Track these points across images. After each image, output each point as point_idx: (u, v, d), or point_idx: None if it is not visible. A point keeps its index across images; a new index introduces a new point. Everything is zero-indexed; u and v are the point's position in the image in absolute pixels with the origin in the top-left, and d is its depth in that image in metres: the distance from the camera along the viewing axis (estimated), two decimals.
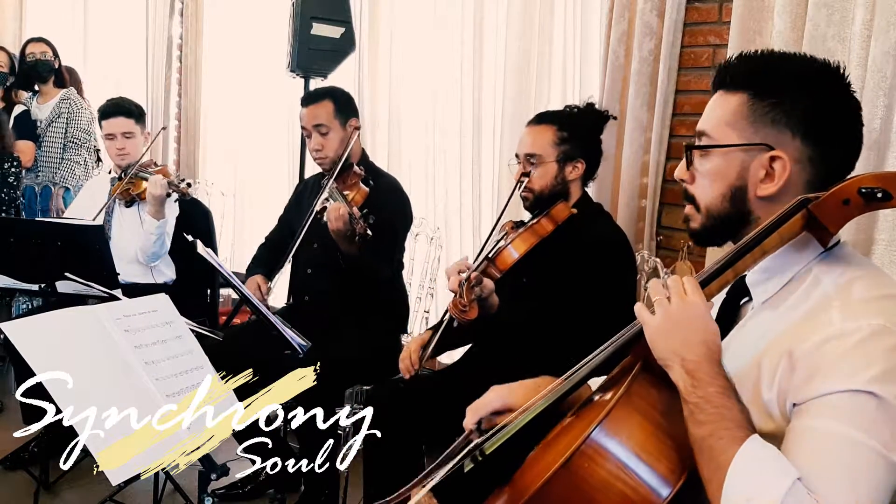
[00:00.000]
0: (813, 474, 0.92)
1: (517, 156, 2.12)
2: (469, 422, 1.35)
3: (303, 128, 2.62)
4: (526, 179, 2.05)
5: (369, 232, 2.19)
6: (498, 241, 2.04)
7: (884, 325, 0.97)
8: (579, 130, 2.06)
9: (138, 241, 2.87)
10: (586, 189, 2.15)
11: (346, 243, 2.28)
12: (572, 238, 1.99)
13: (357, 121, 2.62)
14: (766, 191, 1.10)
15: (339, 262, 2.38)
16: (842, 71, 1.10)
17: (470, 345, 2.27)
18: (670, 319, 1.03)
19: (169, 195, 2.78)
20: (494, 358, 2.06)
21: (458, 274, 1.85)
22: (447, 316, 2.02)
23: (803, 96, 1.08)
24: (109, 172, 3.25)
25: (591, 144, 2.10)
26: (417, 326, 2.86)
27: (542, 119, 2.11)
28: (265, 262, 2.75)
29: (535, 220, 2.01)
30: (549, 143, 2.04)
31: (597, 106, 2.18)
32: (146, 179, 2.85)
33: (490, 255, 1.97)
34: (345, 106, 2.60)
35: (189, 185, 2.84)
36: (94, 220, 2.81)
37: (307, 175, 3.38)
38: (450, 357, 3.22)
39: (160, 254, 2.90)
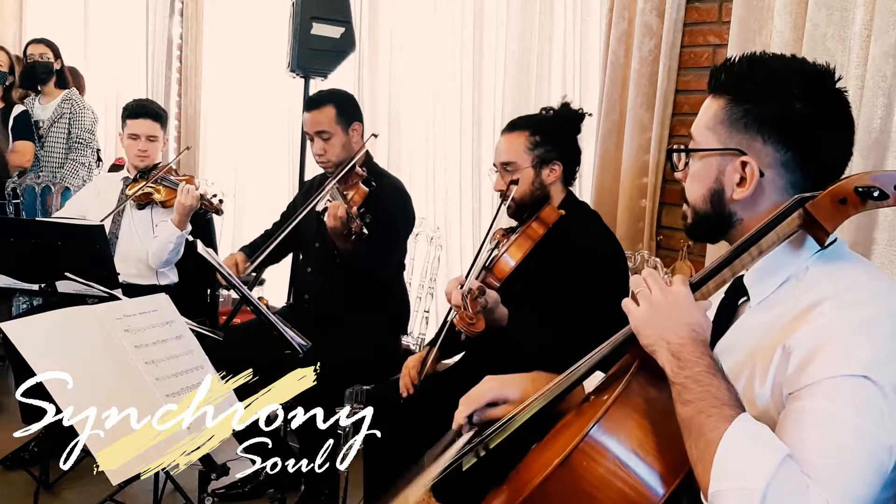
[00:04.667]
0: (804, 453, 0.93)
1: (494, 166, 2.12)
2: (461, 414, 1.35)
3: (306, 132, 2.62)
4: (514, 187, 2.02)
5: (365, 231, 2.21)
6: (492, 250, 2.03)
7: (876, 315, 0.98)
8: (552, 133, 2.04)
9: (152, 247, 2.87)
10: (570, 189, 2.14)
11: (342, 241, 2.30)
12: (563, 241, 1.98)
13: (360, 125, 2.62)
14: (740, 194, 1.12)
15: (338, 261, 2.39)
16: (832, 74, 1.10)
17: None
18: (653, 306, 1.05)
19: (204, 213, 2.79)
20: (494, 358, 2.06)
21: (458, 289, 1.84)
22: (444, 329, 2.02)
23: (773, 102, 1.09)
24: (111, 170, 3.25)
25: (565, 145, 2.08)
26: (417, 326, 2.87)
27: (513, 126, 2.10)
28: (255, 245, 2.74)
29: (526, 225, 2.01)
30: (523, 149, 2.03)
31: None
32: (172, 187, 2.85)
33: (487, 265, 1.97)
34: (347, 110, 2.59)
35: (221, 200, 2.83)
36: (105, 220, 2.80)
37: (307, 175, 3.38)
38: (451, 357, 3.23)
39: (173, 261, 2.91)
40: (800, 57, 1.17)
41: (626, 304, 1.10)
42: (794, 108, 1.08)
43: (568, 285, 1.92)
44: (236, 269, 2.56)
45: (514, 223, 2.15)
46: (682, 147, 1.20)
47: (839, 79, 1.11)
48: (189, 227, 2.84)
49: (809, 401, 0.96)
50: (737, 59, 1.15)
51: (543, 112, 2.13)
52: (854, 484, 0.92)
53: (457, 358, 2.32)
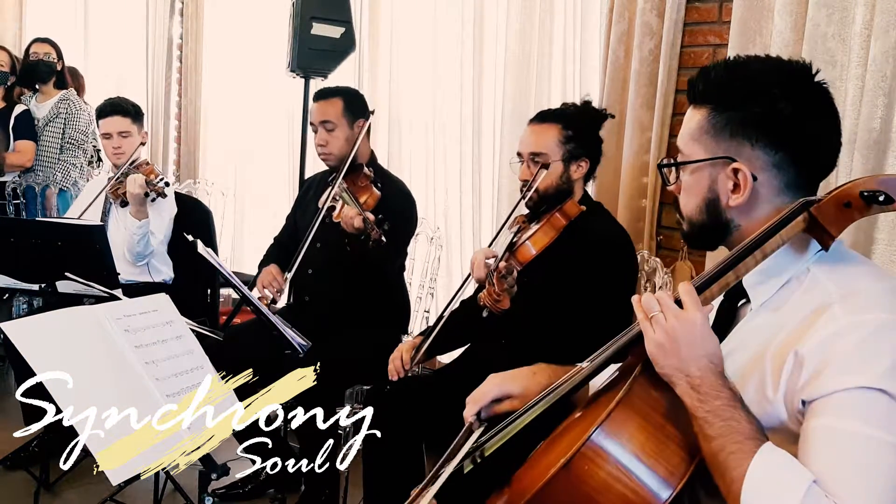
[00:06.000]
0: (829, 475, 0.92)
1: (519, 155, 2.10)
2: (469, 413, 1.37)
3: (311, 123, 2.63)
4: (542, 174, 2.00)
5: (384, 239, 2.20)
6: (514, 235, 2.02)
7: (889, 318, 0.97)
8: (583, 129, 2.04)
9: (125, 241, 2.88)
10: (585, 188, 2.15)
11: (358, 245, 2.30)
12: (578, 236, 1.98)
13: (365, 122, 2.62)
14: (736, 201, 1.11)
15: (345, 259, 2.39)
16: (809, 69, 1.10)
17: (466, 345, 2.27)
18: (669, 337, 1.03)
19: (147, 195, 2.78)
20: (494, 357, 2.06)
21: (484, 262, 1.86)
22: (441, 320, 2.03)
23: (756, 105, 1.08)
24: (109, 172, 3.25)
25: (593, 143, 2.09)
26: (417, 326, 2.86)
27: (545, 117, 2.08)
28: (276, 257, 2.75)
29: (549, 215, 2.00)
30: (555, 141, 2.02)
31: (596, 105, 2.17)
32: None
33: (512, 248, 1.97)
34: (355, 105, 2.60)
35: (167, 184, 2.83)
36: (79, 217, 2.80)
37: (307, 175, 3.37)
38: (449, 356, 3.23)
39: (145, 254, 2.89)
40: (774, 56, 1.16)
41: (642, 321, 1.07)
42: (777, 108, 1.07)
43: (580, 278, 1.91)
44: (277, 282, 2.55)
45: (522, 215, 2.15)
46: (671, 161, 1.19)
47: (817, 72, 1.10)
48: (148, 218, 2.84)
49: (828, 419, 0.95)
50: (712, 66, 1.14)
51: (568, 107, 2.12)
52: (881, 500, 0.92)
53: (455, 356, 2.32)
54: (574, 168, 2.04)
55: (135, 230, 2.83)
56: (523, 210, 2.11)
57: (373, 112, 2.64)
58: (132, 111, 2.99)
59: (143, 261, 2.92)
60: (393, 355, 2.16)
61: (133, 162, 2.95)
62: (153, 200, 2.82)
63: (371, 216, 2.22)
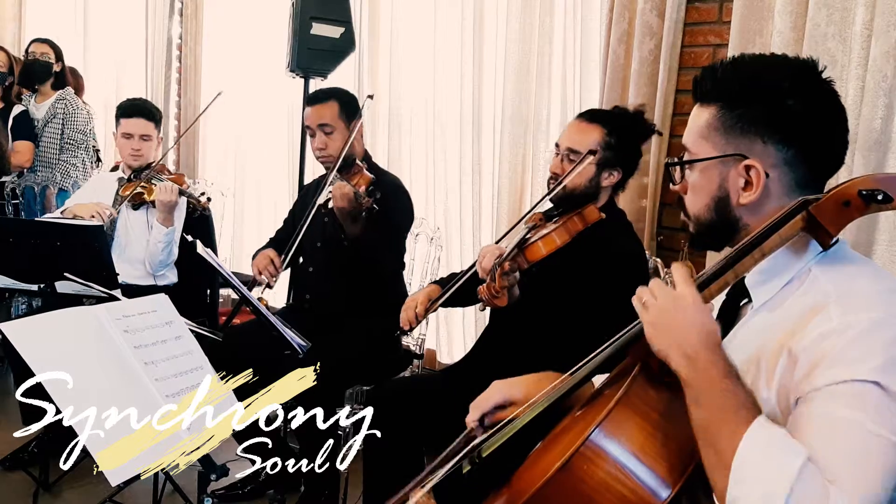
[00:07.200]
0: (822, 456, 0.92)
1: (557, 146, 2.07)
2: (472, 418, 1.36)
3: (307, 126, 2.64)
4: (571, 174, 1.96)
5: (375, 206, 2.23)
6: (528, 232, 2.01)
7: (883, 316, 0.97)
8: (625, 140, 2.02)
9: (146, 249, 2.87)
10: (612, 196, 2.12)
11: (350, 223, 2.30)
12: (590, 245, 1.96)
13: (360, 123, 2.64)
14: (747, 199, 1.11)
15: (343, 244, 2.40)
16: (816, 66, 1.10)
17: (471, 346, 2.27)
18: (661, 312, 1.04)
19: (192, 212, 2.81)
20: (496, 358, 2.06)
21: (493, 257, 1.86)
22: (465, 274, 2.03)
23: (765, 102, 1.08)
24: (112, 170, 3.25)
25: (632, 156, 2.06)
26: (418, 326, 2.85)
27: (593, 117, 2.06)
28: (274, 241, 2.78)
29: (567, 217, 1.98)
30: (595, 144, 2.00)
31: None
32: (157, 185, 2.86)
33: (522, 245, 1.96)
34: (350, 107, 2.63)
35: (209, 199, 2.85)
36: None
37: (306, 174, 3.38)
38: (451, 357, 3.23)
39: (167, 262, 2.90)
40: (780, 54, 1.16)
41: (638, 308, 1.08)
42: (787, 105, 1.07)
43: (588, 287, 1.90)
44: (273, 266, 2.58)
45: (544, 209, 2.14)
46: (681, 159, 1.18)
47: (824, 69, 1.10)
48: (174, 225, 2.84)
49: (821, 406, 0.95)
50: (719, 65, 1.14)
51: (618, 110, 2.10)
52: (874, 489, 0.91)
53: (457, 358, 2.32)
54: (605, 175, 2.03)
55: (161, 238, 2.83)
56: (542, 207, 2.10)
57: (371, 97, 2.68)
58: (156, 115, 3.01)
59: (163, 269, 2.92)
60: (407, 304, 2.15)
61: (150, 165, 2.95)
62: (196, 215, 2.83)
63: (362, 189, 2.26)
